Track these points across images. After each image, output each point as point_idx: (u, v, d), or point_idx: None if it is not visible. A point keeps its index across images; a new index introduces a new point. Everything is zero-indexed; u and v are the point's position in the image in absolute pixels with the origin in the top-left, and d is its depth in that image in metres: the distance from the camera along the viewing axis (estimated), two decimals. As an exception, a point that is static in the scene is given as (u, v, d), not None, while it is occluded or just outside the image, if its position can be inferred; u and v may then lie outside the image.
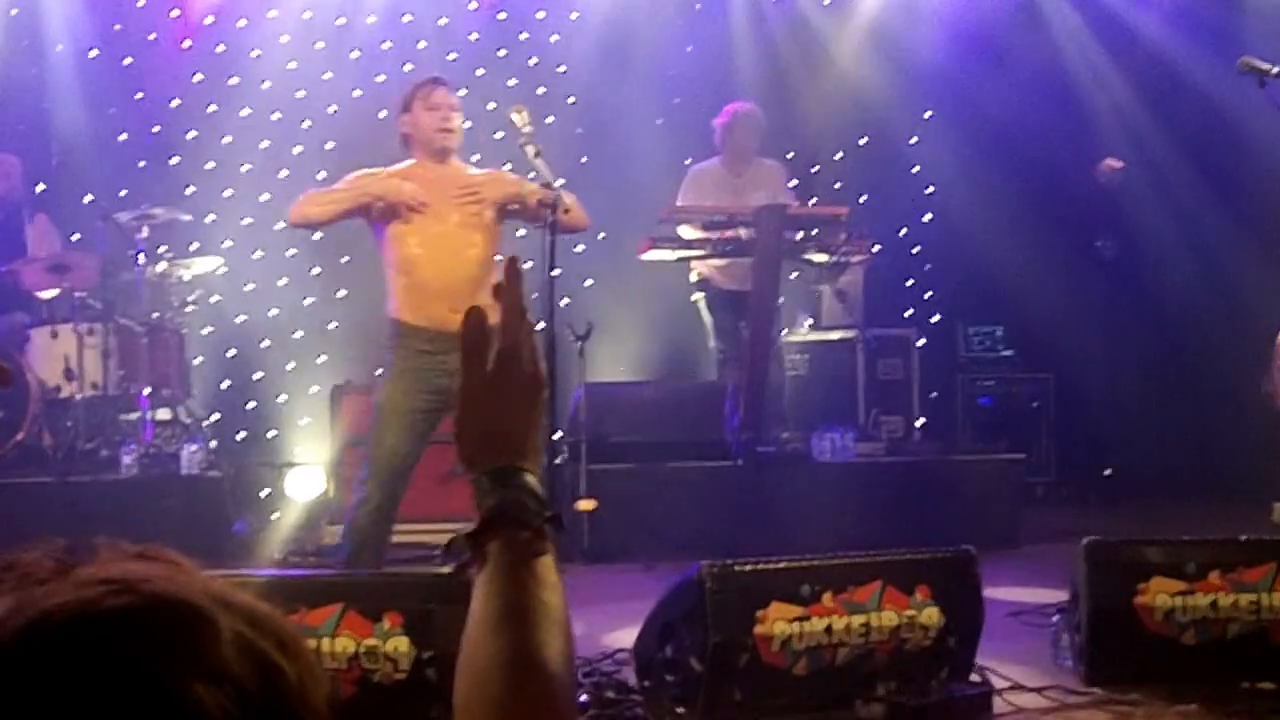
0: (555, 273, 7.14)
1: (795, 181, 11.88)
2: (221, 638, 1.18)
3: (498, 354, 2.00)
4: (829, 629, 5.87)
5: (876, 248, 11.43)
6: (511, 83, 13.09)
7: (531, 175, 7.56)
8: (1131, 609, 6.42)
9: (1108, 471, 13.00)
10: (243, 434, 12.58)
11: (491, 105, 7.94)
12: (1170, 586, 6.46)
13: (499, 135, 10.32)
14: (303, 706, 1.22)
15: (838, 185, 13.77)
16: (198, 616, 1.19)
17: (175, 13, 13.09)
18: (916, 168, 14.29)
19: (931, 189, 14.24)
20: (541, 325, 7.01)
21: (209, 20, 13.14)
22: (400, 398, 7.48)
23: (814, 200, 12.25)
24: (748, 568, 5.90)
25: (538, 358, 2.04)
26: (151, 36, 13.12)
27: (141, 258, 11.00)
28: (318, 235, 13.01)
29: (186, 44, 13.10)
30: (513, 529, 1.87)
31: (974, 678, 6.15)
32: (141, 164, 12.80)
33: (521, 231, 8.46)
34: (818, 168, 13.98)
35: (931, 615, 6.03)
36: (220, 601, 1.22)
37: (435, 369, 7.39)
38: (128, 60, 13.01)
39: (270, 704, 1.18)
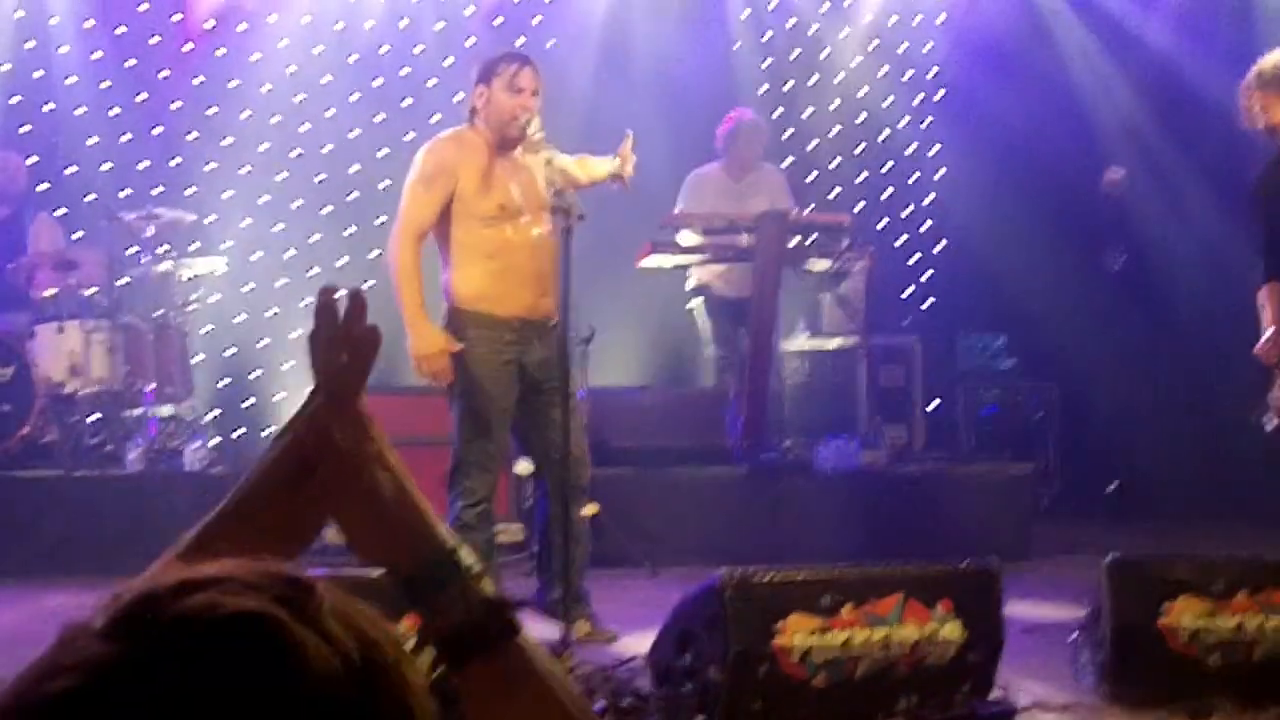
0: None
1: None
2: (324, 605, 1.24)
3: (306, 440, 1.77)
4: (849, 642, 5.80)
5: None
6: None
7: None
8: (1156, 629, 6.31)
9: (1113, 485, 12.92)
10: (241, 431, 12.53)
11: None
12: (1197, 606, 6.31)
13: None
14: (401, 681, 1.24)
15: (837, 191, 13.74)
16: (303, 583, 1.26)
17: (178, 16, 13.04)
18: (916, 175, 14.25)
19: (933, 196, 14.21)
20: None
21: (210, 24, 13.11)
22: (499, 394, 7.35)
23: (811, 207, 12.21)
24: (768, 578, 5.83)
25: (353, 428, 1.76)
26: (154, 40, 13.09)
27: (146, 257, 11.01)
28: (316, 236, 13.04)
29: (188, 47, 13.06)
30: (486, 648, 1.68)
31: (996, 694, 6.10)
32: (143, 165, 12.74)
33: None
34: (815, 174, 13.94)
35: (953, 630, 5.95)
36: (319, 582, 1.28)
37: (522, 358, 7.38)
38: (131, 62, 12.95)
39: (370, 675, 1.22)
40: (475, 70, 7.56)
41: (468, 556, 1.70)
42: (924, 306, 13.89)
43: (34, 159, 12.26)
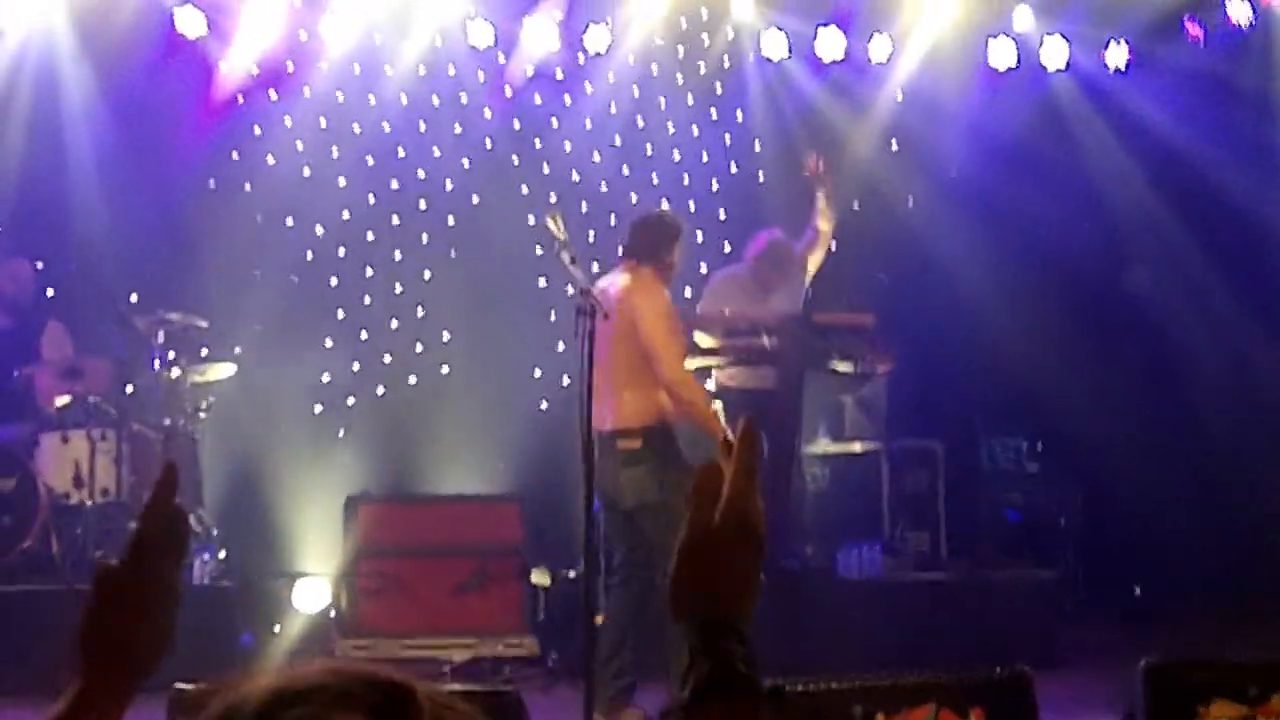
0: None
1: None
2: (424, 713, 1.37)
3: (726, 507, 2.01)
4: (883, 753, 5.59)
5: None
6: (525, 191, 12.99)
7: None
8: (1192, 733, 6.13)
9: (1139, 590, 12.70)
10: (250, 544, 12.30)
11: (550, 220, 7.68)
12: (1232, 711, 6.14)
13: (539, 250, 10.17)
14: None
15: (856, 295, 13.59)
16: (402, 688, 1.38)
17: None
18: (938, 276, 14.09)
19: (953, 299, 14.04)
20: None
21: (239, 99, 13.02)
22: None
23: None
24: (798, 688, 5.60)
25: (762, 519, 2.04)
26: (167, 143, 12.94)
27: (156, 363, 10.85)
28: (329, 341, 12.88)
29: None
30: (733, 699, 1.89)
31: (1033, 806, 5.86)
32: (153, 269, 12.58)
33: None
34: (835, 278, 13.79)
35: (989, 739, 5.75)
36: (420, 686, 1.43)
37: None
38: (142, 166, 12.79)
39: None
40: (560, 220, 7.78)
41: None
42: (947, 409, 13.66)
43: (41, 264, 12.15)
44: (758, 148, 13.99)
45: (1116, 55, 13.97)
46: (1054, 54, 13.91)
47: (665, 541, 7.28)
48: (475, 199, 13.18)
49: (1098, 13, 13.78)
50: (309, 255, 13.12)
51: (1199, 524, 12.87)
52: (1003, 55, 13.86)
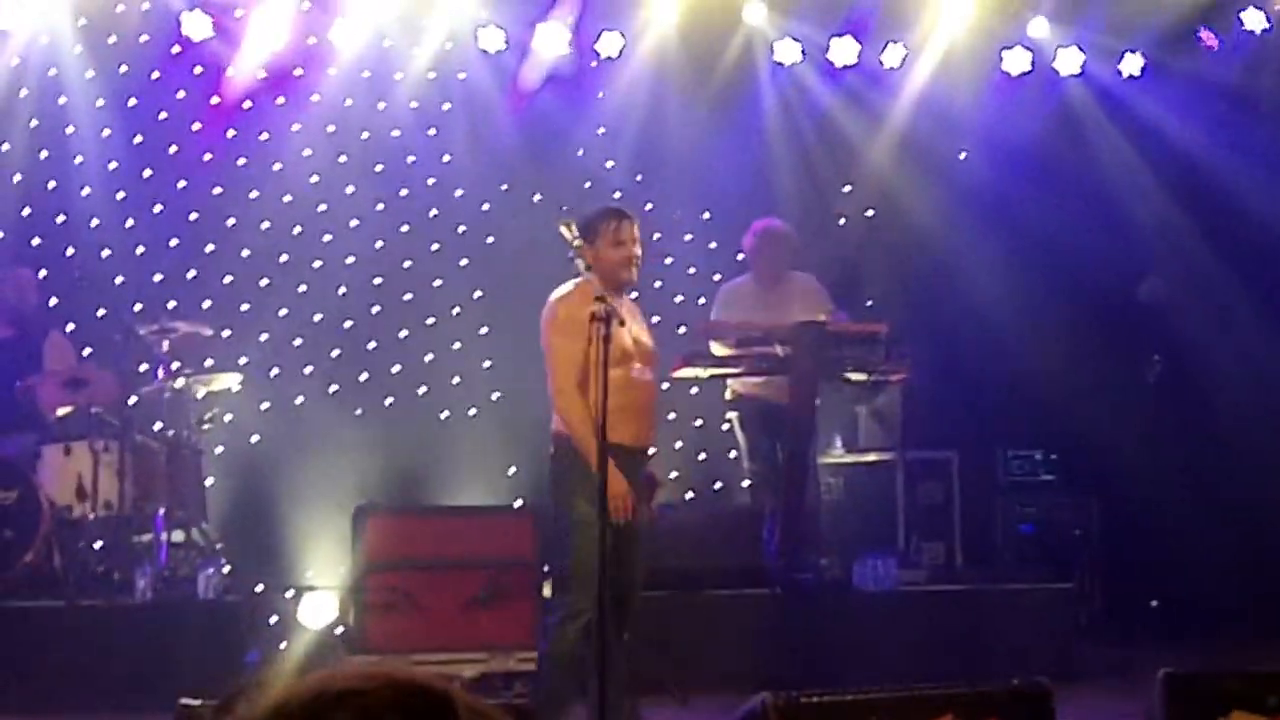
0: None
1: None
2: (460, 713, 1.41)
3: None
4: (899, 765, 5.47)
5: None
6: (537, 198, 12.89)
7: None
8: (1211, 744, 6.02)
9: (1155, 603, 12.55)
10: (256, 557, 12.15)
11: (562, 227, 7.52)
12: None
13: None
14: None
15: (870, 301, 13.50)
16: (438, 693, 1.42)
17: (197, 126, 12.83)
18: (953, 285, 13.98)
19: (968, 308, 13.94)
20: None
21: (246, 104, 12.91)
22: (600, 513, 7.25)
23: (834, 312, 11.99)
24: (814, 699, 5.48)
25: None
26: (172, 149, 12.87)
27: (160, 373, 10.70)
28: (336, 351, 12.77)
29: (207, 157, 12.83)
30: None
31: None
32: (158, 277, 12.49)
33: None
34: (848, 285, 13.71)
35: (1004, 750, 5.64)
36: (456, 692, 1.45)
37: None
38: (147, 173, 12.74)
39: None
40: (579, 232, 7.59)
41: None
42: (961, 419, 13.55)
43: (44, 273, 12.04)
44: (772, 156, 13.88)
45: (1132, 64, 13.94)
46: (1069, 63, 13.86)
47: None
48: (486, 206, 13.07)
49: (1113, 23, 13.75)
50: (317, 264, 12.99)
51: (1217, 536, 12.71)
52: (1017, 63, 13.81)
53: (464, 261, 13.10)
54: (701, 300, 11.28)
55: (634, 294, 7.68)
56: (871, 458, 12.38)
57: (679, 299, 12.97)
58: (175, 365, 10.80)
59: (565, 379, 7.53)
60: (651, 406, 7.87)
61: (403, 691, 1.38)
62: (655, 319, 10.88)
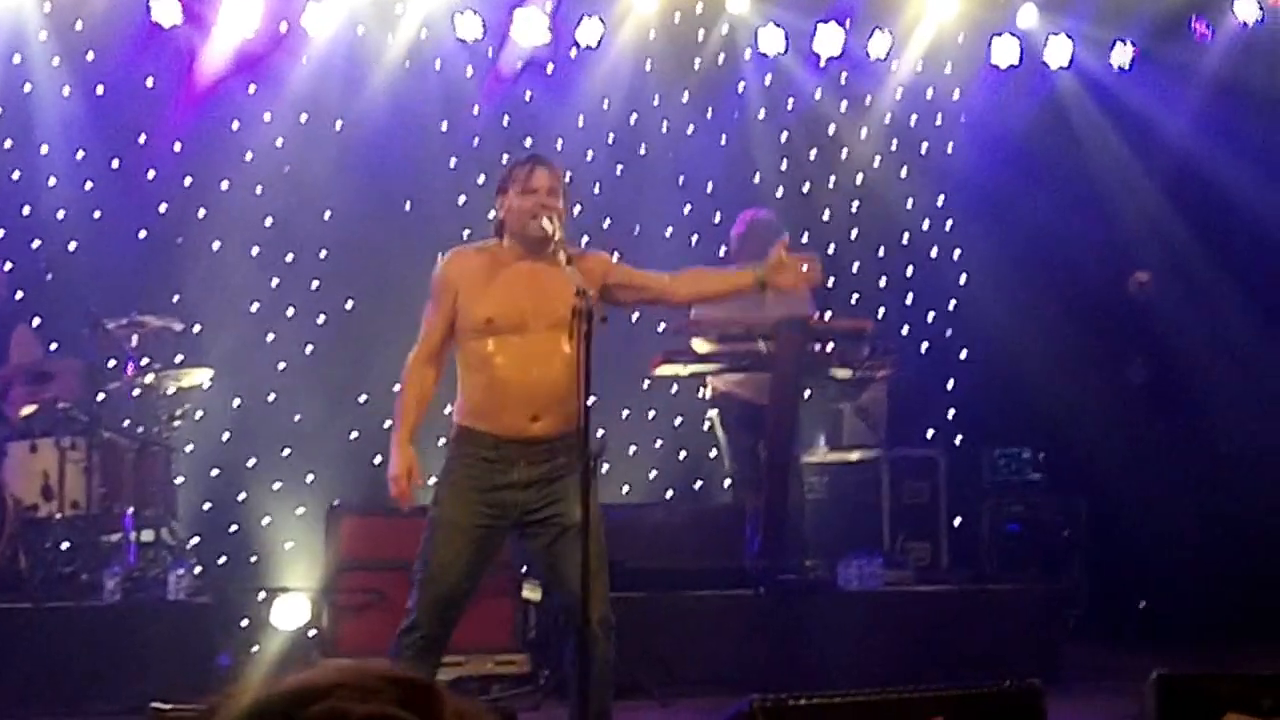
0: (590, 400, 6.40)
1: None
2: (447, 708, 1.43)
3: None
4: (888, 766, 5.36)
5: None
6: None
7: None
8: (1204, 749, 5.89)
9: (1143, 604, 12.44)
10: (227, 558, 11.98)
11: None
12: None
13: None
14: None
15: (856, 296, 13.38)
16: (422, 684, 1.44)
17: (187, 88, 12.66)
18: (939, 280, 13.88)
19: (954, 303, 13.84)
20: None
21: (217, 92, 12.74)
22: (460, 512, 6.77)
23: (828, 313, 11.85)
24: (802, 702, 5.33)
25: None
26: (142, 139, 12.66)
27: (129, 368, 10.54)
28: (310, 347, 12.59)
29: (177, 146, 12.65)
30: None
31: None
32: (127, 270, 12.26)
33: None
34: (833, 279, 13.59)
35: (997, 753, 5.54)
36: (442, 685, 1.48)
37: (497, 480, 6.76)
38: (116, 163, 12.52)
39: None
40: (496, 184, 7.15)
41: None
42: (948, 417, 13.44)
43: (10, 266, 11.83)
44: (755, 147, 13.77)
45: (1122, 54, 13.85)
46: (1058, 53, 13.74)
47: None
48: (463, 199, 12.84)
49: (1103, 12, 13.69)
50: (289, 257, 12.81)
51: (1206, 537, 12.59)
52: (1006, 53, 13.68)
53: (441, 255, 12.89)
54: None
55: (564, 257, 6.65)
56: (856, 456, 12.22)
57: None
58: (144, 361, 10.65)
59: (417, 347, 7.13)
60: (551, 387, 6.82)
61: (390, 680, 1.40)
62: (635, 315, 10.81)
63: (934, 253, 13.95)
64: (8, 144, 12.48)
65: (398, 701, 1.35)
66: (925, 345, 13.67)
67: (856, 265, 13.81)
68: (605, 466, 8.83)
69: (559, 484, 6.74)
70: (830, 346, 10.67)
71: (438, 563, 6.75)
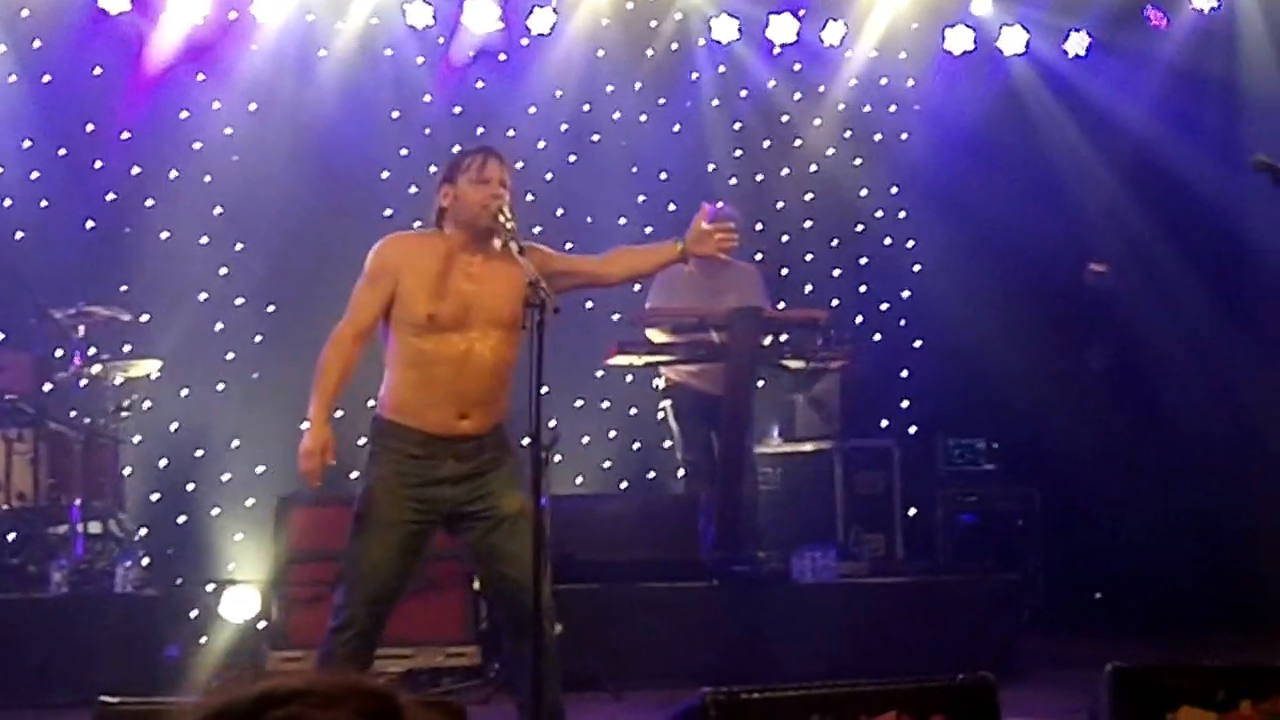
0: (544, 389, 6.29)
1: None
2: (406, 716, 1.49)
3: None
4: (841, 760, 5.30)
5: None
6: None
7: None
8: (1159, 740, 5.85)
9: (1098, 595, 12.49)
10: (175, 550, 11.87)
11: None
12: (1199, 717, 5.91)
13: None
14: None
15: (809, 288, 13.34)
16: (383, 694, 1.48)
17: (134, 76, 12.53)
18: (893, 270, 13.85)
19: (908, 293, 13.80)
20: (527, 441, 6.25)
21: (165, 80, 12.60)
22: (387, 507, 6.61)
23: (781, 304, 11.81)
24: (755, 695, 5.25)
25: None
26: (89, 127, 12.52)
27: (77, 359, 10.51)
28: (259, 337, 12.49)
29: (125, 135, 12.52)
30: None
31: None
32: (74, 260, 12.13)
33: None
34: (787, 270, 13.55)
35: (949, 746, 5.45)
36: (402, 694, 1.53)
37: (426, 477, 6.61)
38: (62, 151, 12.40)
39: None
40: (440, 174, 6.95)
41: None
42: (902, 407, 13.40)
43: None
44: (708, 136, 13.71)
45: (1077, 43, 13.87)
46: (1012, 42, 13.74)
47: None
48: (414, 190, 12.73)
49: (1058, 0, 13.62)
50: (238, 246, 12.70)
51: (1161, 528, 12.62)
52: (960, 42, 13.69)
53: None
54: (637, 286, 11.04)
55: (516, 247, 6.53)
56: (809, 447, 12.16)
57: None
58: (92, 351, 10.66)
59: (345, 323, 6.84)
60: (470, 385, 6.73)
61: (354, 690, 1.41)
62: (589, 304, 10.74)
63: (888, 242, 13.91)
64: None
65: (359, 710, 1.37)
66: (879, 335, 13.63)
67: (810, 255, 13.77)
68: (558, 457, 8.73)
69: (487, 477, 6.64)
70: (784, 337, 10.63)
71: (369, 561, 6.59)
